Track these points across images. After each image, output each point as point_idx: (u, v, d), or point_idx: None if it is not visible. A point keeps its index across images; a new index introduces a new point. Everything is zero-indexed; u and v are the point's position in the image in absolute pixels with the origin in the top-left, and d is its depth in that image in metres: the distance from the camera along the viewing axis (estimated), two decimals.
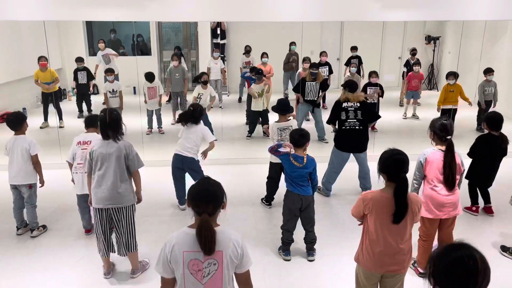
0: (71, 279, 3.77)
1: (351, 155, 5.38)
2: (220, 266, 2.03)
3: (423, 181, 3.66)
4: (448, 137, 3.48)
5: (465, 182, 4.89)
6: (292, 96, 8.61)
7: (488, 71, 7.76)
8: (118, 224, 3.61)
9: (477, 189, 4.96)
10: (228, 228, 2.12)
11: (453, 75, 7.55)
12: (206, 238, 1.96)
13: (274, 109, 5.11)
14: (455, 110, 7.53)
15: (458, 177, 3.57)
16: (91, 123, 4.30)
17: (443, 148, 3.51)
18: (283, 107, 5.05)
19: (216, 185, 2.10)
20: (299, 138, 3.97)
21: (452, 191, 3.53)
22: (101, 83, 9.05)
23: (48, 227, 4.67)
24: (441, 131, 3.51)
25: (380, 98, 7.85)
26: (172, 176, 4.99)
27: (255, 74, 7.66)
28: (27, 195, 4.42)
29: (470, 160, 4.86)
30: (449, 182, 3.49)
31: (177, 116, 8.33)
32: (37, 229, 4.48)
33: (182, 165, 4.86)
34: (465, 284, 1.45)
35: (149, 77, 7.79)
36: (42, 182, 4.50)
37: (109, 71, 7.82)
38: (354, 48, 9.69)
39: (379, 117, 5.85)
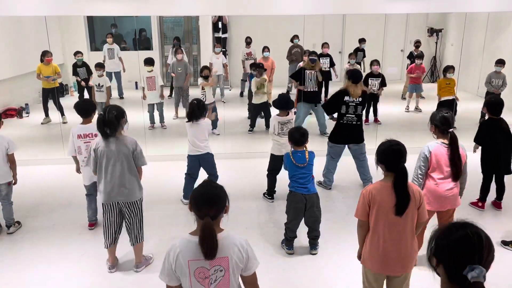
0: (76, 273, 3.80)
1: (346, 147, 5.42)
2: (226, 272, 2.02)
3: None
4: (450, 129, 3.46)
5: (479, 176, 4.87)
6: (294, 90, 8.60)
7: (498, 62, 7.67)
8: (129, 217, 3.66)
9: (491, 184, 4.87)
10: (232, 232, 2.09)
11: (452, 68, 7.52)
12: (208, 244, 1.94)
13: (275, 104, 5.12)
14: (453, 100, 7.45)
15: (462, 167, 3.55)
16: (84, 111, 4.23)
17: (446, 141, 3.48)
18: (284, 103, 5.06)
19: (219, 188, 2.08)
20: (300, 137, 4.02)
21: (456, 181, 3.53)
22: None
23: (52, 222, 4.71)
24: (443, 124, 3.48)
25: (382, 90, 7.81)
26: (188, 170, 4.98)
27: (255, 69, 7.63)
28: (5, 193, 4.39)
29: (475, 153, 4.85)
30: (454, 175, 3.49)
31: (179, 112, 8.44)
32: (13, 226, 4.50)
33: (199, 163, 4.92)
34: (471, 260, 1.44)
35: (149, 62, 7.73)
36: (15, 180, 4.47)
37: (98, 66, 7.87)
38: (362, 41, 9.62)
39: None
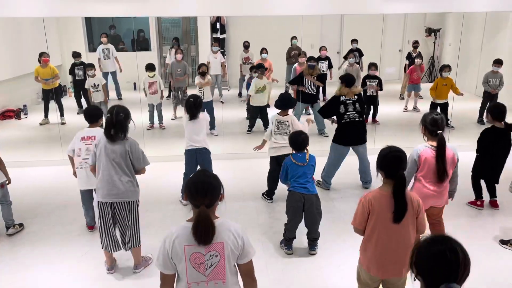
0: (75, 274, 3.80)
1: (350, 149, 5.39)
2: (222, 257, 2.04)
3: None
4: (439, 131, 3.47)
5: (469, 176, 4.89)
6: (291, 91, 8.61)
7: (496, 62, 7.69)
8: (122, 219, 3.64)
9: (481, 182, 4.89)
10: (227, 220, 2.11)
11: (448, 67, 7.56)
12: (203, 229, 1.95)
13: (277, 104, 5.11)
14: (447, 104, 7.52)
15: (451, 170, 3.56)
16: (92, 117, 4.26)
17: (435, 143, 3.49)
18: (285, 103, 5.04)
19: (213, 176, 2.09)
20: (301, 142, 4.01)
21: (442, 183, 3.54)
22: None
23: (51, 223, 4.70)
24: (432, 125, 3.49)
25: (379, 91, 7.85)
26: (185, 169, 4.96)
27: (256, 71, 7.65)
28: (0, 195, 4.35)
29: (471, 153, 4.86)
30: (440, 175, 3.49)
31: (178, 113, 8.44)
32: (12, 227, 4.45)
33: (196, 158, 4.86)
34: (446, 277, 1.47)
35: (150, 67, 7.76)
36: (9, 179, 4.41)
37: (89, 66, 7.89)
38: (354, 41, 9.66)
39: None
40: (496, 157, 4.68)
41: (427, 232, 3.66)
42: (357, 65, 8.81)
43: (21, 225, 4.56)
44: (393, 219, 2.60)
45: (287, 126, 4.95)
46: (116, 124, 3.44)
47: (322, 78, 7.53)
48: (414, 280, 1.62)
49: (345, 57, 9.35)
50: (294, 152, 4.05)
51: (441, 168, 3.47)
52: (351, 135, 5.31)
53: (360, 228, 2.74)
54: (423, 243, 1.59)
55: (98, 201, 3.65)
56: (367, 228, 2.71)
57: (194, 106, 4.77)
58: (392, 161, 2.63)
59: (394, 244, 2.64)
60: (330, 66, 9.16)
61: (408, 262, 1.63)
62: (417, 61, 8.82)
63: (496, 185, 4.88)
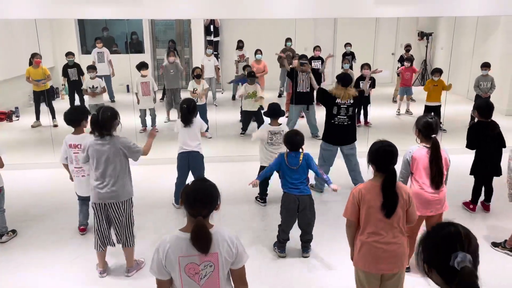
0: (67, 277, 3.78)
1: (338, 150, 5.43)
2: (216, 267, 2.04)
3: (410, 179, 3.65)
4: (433, 135, 3.48)
5: (460, 179, 4.92)
6: (285, 93, 8.62)
7: (484, 66, 7.79)
8: (117, 219, 3.63)
9: (482, 187, 4.89)
10: (222, 227, 2.11)
11: (438, 72, 7.69)
12: (202, 241, 1.96)
13: (266, 114, 5.12)
14: (439, 107, 7.59)
15: (445, 172, 3.57)
16: (72, 120, 4.18)
17: (428, 145, 3.50)
18: (273, 112, 5.03)
19: (212, 186, 2.09)
20: (297, 141, 3.98)
21: (439, 188, 3.53)
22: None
23: (43, 226, 4.66)
24: (426, 129, 3.50)
25: (371, 90, 7.89)
26: (178, 174, 4.94)
27: (247, 75, 7.62)
28: None
29: (464, 156, 4.90)
30: (436, 180, 3.47)
31: (171, 116, 8.42)
32: (6, 234, 4.38)
33: (188, 161, 4.83)
34: (454, 251, 1.45)
35: (144, 65, 7.73)
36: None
37: (91, 68, 7.88)
38: (348, 44, 9.71)
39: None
40: (488, 149, 4.68)
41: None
42: (351, 70, 8.85)
43: (14, 231, 4.49)
44: (384, 214, 2.62)
45: (281, 136, 4.93)
46: (101, 122, 3.44)
47: (314, 73, 7.47)
48: (429, 283, 1.58)
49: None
50: (288, 152, 4.03)
51: (436, 171, 3.47)
52: (339, 135, 5.35)
53: (351, 219, 2.74)
54: (424, 236, 1.57)
55: (92, 202, 3.64)
56: (360, 220, 2.72)
57: (188, 112, 4.73)
58: (383, 155, 2.65)
59: (387, 235, 2.66)
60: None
61: (416, 263, 1.59)
62: (406, 64, 8.91)
63: (493, 189, 4.89)
